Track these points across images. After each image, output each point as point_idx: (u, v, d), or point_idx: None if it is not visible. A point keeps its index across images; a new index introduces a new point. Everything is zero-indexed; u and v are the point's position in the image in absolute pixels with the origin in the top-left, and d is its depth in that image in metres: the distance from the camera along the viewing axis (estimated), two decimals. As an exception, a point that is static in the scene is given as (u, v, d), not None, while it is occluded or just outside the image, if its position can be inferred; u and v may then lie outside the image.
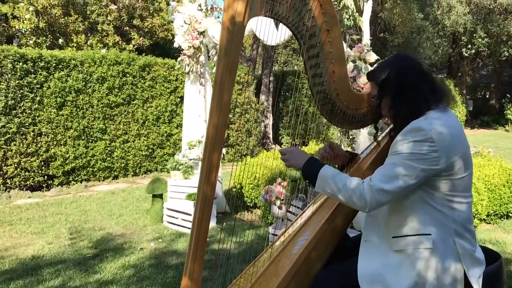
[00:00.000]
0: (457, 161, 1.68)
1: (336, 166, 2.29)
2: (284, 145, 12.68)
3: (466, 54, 16.16)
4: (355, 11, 4.04)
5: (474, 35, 15.11)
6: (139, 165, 8.70)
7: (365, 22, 4.13)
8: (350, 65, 3.70)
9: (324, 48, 1.94)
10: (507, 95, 17.75)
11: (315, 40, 1.93)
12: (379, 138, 2.22)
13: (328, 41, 1.94)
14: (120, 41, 12.00)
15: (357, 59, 3.76)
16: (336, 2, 4.05)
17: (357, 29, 4.18)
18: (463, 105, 17.77)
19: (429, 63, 16.16)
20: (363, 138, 4.09)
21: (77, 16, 11.43)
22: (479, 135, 15.85)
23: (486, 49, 15.93)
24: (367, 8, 4.12)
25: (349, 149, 4.28)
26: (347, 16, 4.02)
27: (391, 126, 2.07)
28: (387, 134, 2.12)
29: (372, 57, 3.76)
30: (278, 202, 4.04)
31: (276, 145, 12.68)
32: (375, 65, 2.64)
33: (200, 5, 5.07)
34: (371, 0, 4.10)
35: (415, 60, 1.89)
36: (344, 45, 3.88)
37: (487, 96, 22.46)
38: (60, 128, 7.47)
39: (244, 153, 10.53)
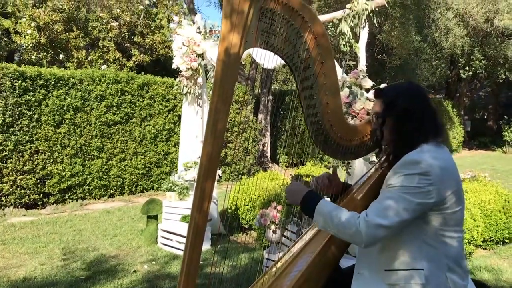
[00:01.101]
0: (451, 195, 1.67)
1: (329, 196, 2.28)
2: (282, 164, 12.67)
3: (464, 76, 16.28)
4: (351, 37, 4.08)
5: (472, 57, 15.24)
6: (136, 183, 8.67)
7: (361, 48, 4.16)
8: (345, 91, 3.73)
9: (318, 80, 1.96)
10: (505, 116, 17.84)
11: (309, 72, 1.95)
12: (370, 173, 2.21)
13: (322, 73, 1.95)
14: (121, 57, 12.08)
15: (353, 85, 3.79)
16: (332, 28, 4.10)
17: (354, 56, 4.22)
18: (461, 126, 17.83)
19: (427, 85, 16.26)
20: (358, 162, 4.09)
21: (78, 32, 11.52)
22: (477, 157, 15.87)
23: (484, 71, 16.05)
24: (363, 35, 4.16)
25: (344, 172, 4.28)
26: (344, 43, 4.06)
27: (383, 158, 2.07)
28: (380, 166, 2.11)
29: (368, 83, 3.78)
30: (272, 227, 4.01)
31: (274, 164, 12.66)
32: (384, 85, 2.65)
33: (199, 28, 5.13)
34: (368, 26, 4.14)
35: (425, 92, 1.91)
36: (340, 70, 3.93)
37: (485, 117, 22.60)
38: (57, 146, 7.46)
39: (241, 172, 10.51)
